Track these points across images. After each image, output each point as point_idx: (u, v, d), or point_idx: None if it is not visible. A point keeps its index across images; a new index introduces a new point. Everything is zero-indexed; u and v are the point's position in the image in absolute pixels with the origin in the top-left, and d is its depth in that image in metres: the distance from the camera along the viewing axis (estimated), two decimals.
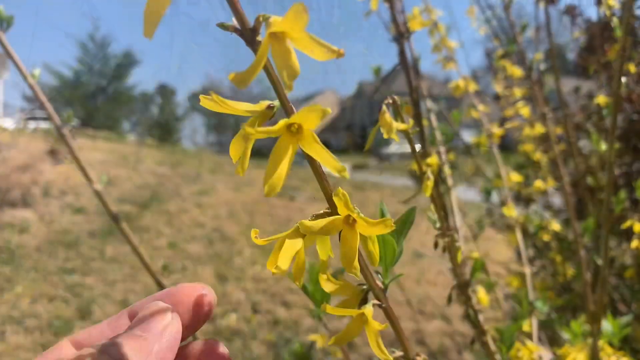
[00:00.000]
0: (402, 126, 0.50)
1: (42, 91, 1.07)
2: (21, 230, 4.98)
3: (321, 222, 0.36)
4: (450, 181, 1.09)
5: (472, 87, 1.40)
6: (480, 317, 0.79)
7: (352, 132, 42.64)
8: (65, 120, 1.09)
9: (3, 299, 3.64)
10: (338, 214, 0.37)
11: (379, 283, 0.41)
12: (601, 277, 1.08)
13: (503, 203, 1.47)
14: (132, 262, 4.48)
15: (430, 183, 0.57)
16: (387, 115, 0.48)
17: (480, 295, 0.91)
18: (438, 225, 0.59)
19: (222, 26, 0.32)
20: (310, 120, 0.32)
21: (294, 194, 8.02)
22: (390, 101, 0.49)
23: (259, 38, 0.32)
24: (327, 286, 0.40)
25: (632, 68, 1.87)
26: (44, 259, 4.47)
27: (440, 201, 0.96)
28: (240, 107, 0.36)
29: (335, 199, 0.36)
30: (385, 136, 0.48)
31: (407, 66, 0.81)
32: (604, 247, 1.07)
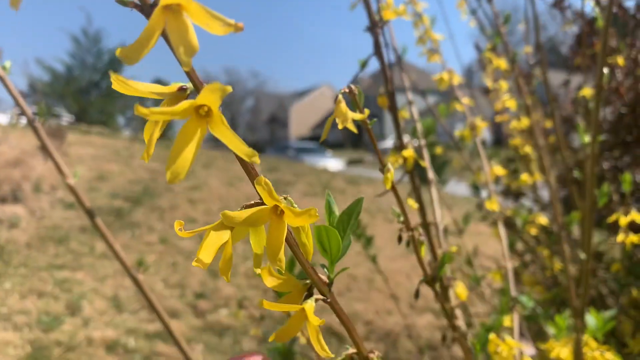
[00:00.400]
0: (357, 116, 0.49)
1: (35, 86, 1.04)
2: (11, 226, 4.95)
3: (245, 213, 0.35)
4: (430, 175, 1.08)
5: (457, 80, 1.38)
6: (457, 312, 0.77)
7: (346, 127, 42.57)
8: (40, 113, 1.07)
9: None
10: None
11: (324, 277, 0.39)
12: (584, 270, 1.07)
13: (488, 197, 1.46)
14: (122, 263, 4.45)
15: (390, 176, 0.55)
16: (343, 105, 0.46)
17: (458, 290, 0.90)
18: (402, 219, 0.58)
19: (122, 2, 0.30)
20: (213, 100, 0.30)
21: (287, 189, 8.00)
22: (347, 90, 0.47)
23: None
24: (269, 281, 0.39)
25: (620, 61, 1.86)
26: (33, 255, 4.44)
27: (415, 194, 0.94)
28: (147, 89, 0.34)
29: (257, 188, 0.34)
30: (339, 126, 0.46)
31: (382, 57, 0.79)
32: (586, 241, 1.06)
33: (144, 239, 5.25)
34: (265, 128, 47.83)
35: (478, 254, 2.39)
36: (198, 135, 0.32)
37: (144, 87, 0.34)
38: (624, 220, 1.36)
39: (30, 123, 1.03)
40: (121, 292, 3.91)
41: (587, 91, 1.47)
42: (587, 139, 1.02)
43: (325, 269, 0.40)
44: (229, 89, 0.28)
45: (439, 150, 2.13)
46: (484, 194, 2.55)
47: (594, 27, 2.05)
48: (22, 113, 1.06)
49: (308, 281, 0.40)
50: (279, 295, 0.51)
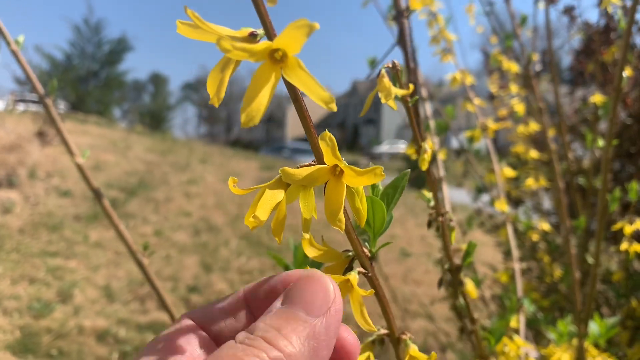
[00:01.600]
0: (400, 92, 0.48)
1: (33, 72, 1.03)
2: (5, 211, 4.91)
3: (305, 170, 0.33)
4: (442, 172, 1.07)
5: (469, 80, 1.38)
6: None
7: (345, 130, 42.67)
8: (50, 90, 1.05)
9: None
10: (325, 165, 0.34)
11: (366, 250, 0.38)
12: (592, 275, 1.07)
13: (493, 200, 1.45)
14: (116, 247, 4.43)
15: (427, 156, 0.54)
16: (386, 80, 0.45)
17: (469, 287, 0.89)
18: (432, 204, 0.57)
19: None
20: (295, 39, 0.29)
21: None
22: (390, 65, 0.46)
23: None
24: (310, 251, 0.37)
25: (628, 71, 1.86)
26: (26, 241, 4.40)
27: (432, 188, 0.94)
28: (221, 31, 0.33)
29: (321, 143, 0.33)
30: (382, 100, 0.45)
31: (406, 46, 0.78)
32: (596, 245, 1.05)
33: (138, 230, 5.22)
34: (262, 127, 47.77)
35: (475, 259, 2.38)
36: (272, 80, 0.30)
37: (219, 29, 0.33)
38: (628, 229, 1.36)
39: (42, 99, 1.01)
40: (114, 282, 3.88)
41: (598, 98, 1.47)
42: (600, 143, 1.01)
43: (367, 243, 0.39)
44: (317, 25, 0.27)
45: (442, 154, 2.12)
46: (484, 199, 2.55)
47: (604, 36, 2.06)
48: (34, 89, 1.04)
49: (351, 253, 0.39)
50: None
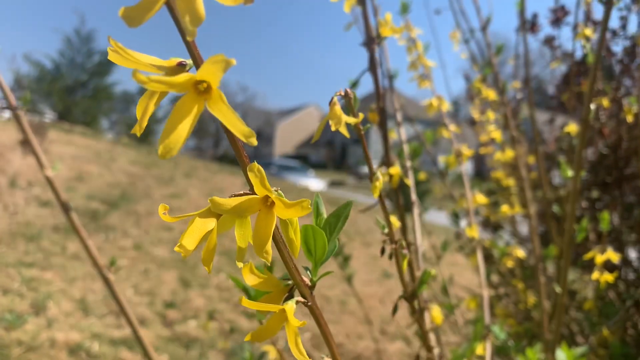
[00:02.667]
0: (351, 119, 0.48)
1: (21, 81, 1.02)
2: None
3: (235, 200, 0.33)
4: (413, 196, 1.08)
5: (445, 106, 1.39)
6: (431, 334, 0.77)
7: (333, 149, 42.81)
8: (24, 101, 1.05)
9: None
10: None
11: (306, 280, 0.38)
12: (558, 304, 1.07)
13: (469, 224, 1.46)
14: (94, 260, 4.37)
15: (378, 184, 0.55)
16: (337, 107, 0.45)
17: (434, 313, 0.89)
18: (386, 230, 0.57)
19: None
20: (214, 73, 0.29)
21: None
22: (342, 93, 0.47)
23: None
24: (250, 279, 0.37)
25: (605, 102, 1.89)
26: (2, 250, 4.33)
27: (398, 212, 0.94)
28: (145, 60, 0.33)
29: (250, 174, 0.33)
30: (332, 128, 0.46)
31: (376, 72, 0.79)
32: (562, 275, 1.06)
33: (117, 243, 5.17)
34: None
35: (453, 283, 2.39)
36: (194, 112, 0.31)
37: (144, 58, 0.33)
38: (600, 259, 1.37)
39: (13, 111, 1.01)
40: (89, 296, 3.83)
41: (572, 127, 1.49)
42: (569, 173, 1.02)
43: (308, 272, 0.39)
44: (233, 61, 0.27)
45: (422, 176, 2.13)
46: (462, 224, 2.56)
47: (582, 67, 2.10)
48: (6, 101, 1.04)
49: (290, 282, 0.38)
50: (254, 299, 0.50)
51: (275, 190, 0.34)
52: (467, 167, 1.52)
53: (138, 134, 0.33)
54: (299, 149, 45.38)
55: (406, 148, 1.07)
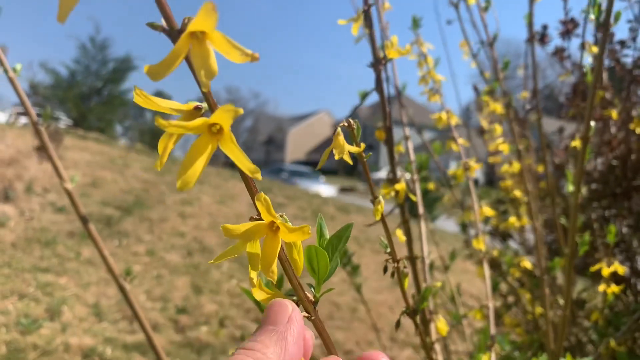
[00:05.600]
0: (353, 149, 0.51)
1: (37, 88, 1.07)
2: None
3: (244, 227, 0.38)
4: (421, 209, 1.10)
5: (454, 120, 1.42)
6: (436, 346, 0.79)
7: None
8: (44, 116, 1.09)
9: None
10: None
11: (310, 295, 0.42)
12: (562, 315, 1.09)
13: (476, 236, 1.48)
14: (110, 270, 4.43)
15: (380, 207, 0.58)
16: (341, 137, 0.49)
17: (440, 324, 0.91)
18: (388, 250, 0.60)
19: (152, 26, 0.33)
20: (225, 119, 0.34)
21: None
22: (346, 124, 0.50)
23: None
24: (258, 295, 0.41)
25: (614, 114, 1.91)
26: (18, 255, 4.41)
27: (404, 227, 0.97)
28: (166, 105, 0.38)
29: (257, 203, 0.37)
30: (336, 157, 0.49)
31: (382, 93, 0.82)
32: (566, 287, 1.08)
33: (131, 249, 5.23)
34: (262, 149, 47.98)
35: (462, 292, 2.41)
36: (208, 150, 0.35)
37: (164, 103, 0.37)
38: (606, 271, 1.39)
39: (34, 125, 1.05)
40: (103, 301, 3.88)
41: (578, 142, 1.51)
42: (571, 188, 1.05)
43: (312, 288, 0.43)
44: (241, 111, 0.32)
45: (431, 186, 2.16)
46: (472, 232, 2.58)
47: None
48: (26, 114, 1.08)
49: (295, 297, 0.42)
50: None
51: (281, 216, 0.38)
52: (477, 176, 1.54)
53: (159, 169, 0.38)
54: (310, 155, 45.49)
55: (413, 164, 1.10)
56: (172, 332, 3.64)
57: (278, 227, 0.38)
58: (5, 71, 1.04)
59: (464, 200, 2.10)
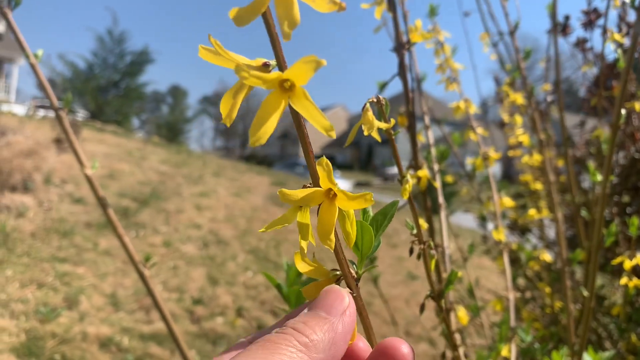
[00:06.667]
0: (383, 125, 0.50)
1: (55, 80, 1.07)
2: (18, 215, 4.99)
3: (302, 192, 0.37)
4: (441, 199, 1.09)
5: (473, 109, 1.40)
6: (456, 334, 0.78)
7: (359, 149, 42.73)
8: (65, 103, 1.09)
9: None
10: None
11: (353, 271, 0.41)
12: (585, 308, 1.07)
13: (495, 227, 1.47)
14: (124, 256, 4.47)
15: (408, 187, 0.57)
16: (370, 113, 0.48)
17: (460, 313, 0.90)
18: (415, 231, 0.59)
19: None
20: (303, 73, 0.32)
21: None
22: (375, 100, 0.49)
23: None
24: (302, 266, 0.41)
25: (637, 107, 1.87)
26: (37, 245, 4.46)
27: (426, 214, 0.96)
28: (239, 59, 0.37)
29: (318, 167, 0.36)
30: (365, 133, 0.48)
31: (405, 77, 0.81)
32: (590, 279, 1.06)
33: (147, 240, 5.27)
34: (276, 143, 48.07)
35: (479, 286, 2.39)
36: (281, 107, 0.34)
37: (238, 58, 0.37)
38: (628, 264, 1.37)
39: (56, 111, 1.05)
40: (120, 291, 3.92)
41: (601, 132, 1.49)
42: (598, 177, 1.03)
43: (355, 265, 0.42)
44: (324, 62, 0.31)
45: (449, 178, 2.14)
46: (490, 226, 2.55)
47: (614, 70, 2.07)
48: (49, 100, 1.09)
49: (338, 272, 0.41)
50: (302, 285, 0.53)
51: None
52: (494, 170, 1.52)
53: (228, 124, 0.37)
54: (325, 149, 45.49)
55: (434, 151, 1.08)
56: (188, 322, 3.67)
57: (335, 195, 0.38)
58: (27, 56, 1.05)
59: (481, 192, 2.07)
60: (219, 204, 7.30)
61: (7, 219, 4.81)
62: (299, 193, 0.37)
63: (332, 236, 0.38)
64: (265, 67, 0.37)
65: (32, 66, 1.04)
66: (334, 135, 0.33)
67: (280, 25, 0.31)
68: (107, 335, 3.20)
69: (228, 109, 0.38)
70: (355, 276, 0.42)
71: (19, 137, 6.29)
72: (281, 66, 0.35)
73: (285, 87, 0.34)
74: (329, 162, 0.36)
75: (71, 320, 3.31)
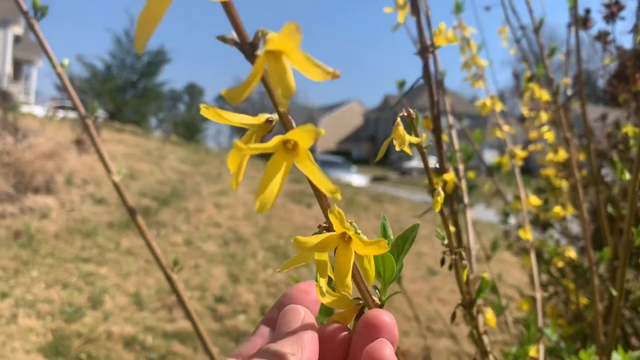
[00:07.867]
0: (414, 139, 0.50)
1: (73, 82, 1.09)
2: (41, 216, 5.07)
3: (316, 239, 0.37)
4: (466, 199, 1.09)
5: (499, 106, 1.40)
6: (484, 338, 0.78)
7: (375, 144, 42.62)
8: (91, 110, 1.11)
9: (18, 282, 3.70)
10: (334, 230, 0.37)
11: (376, 299, 0.41)
12: (615, 308, 1.06)
13: (520, 225, 1.46)
14: (146, 255, 4.52)
15: (440, 199, 0.57)
16: (401, 128, 0.48)
17: (488, 316, 0.90)
18: (446, 242, 0.59)
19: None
20: (304, 139, 0.32)
21: (311, 201, 8.02)
22: (406, 114, 0.49)
23: (258, 53, 0.32)
24: (324, 298, 0.41)
25: None
26: (61, 246, 4.53)
27: (453, 218, 0.96)
28: (238, 120, 0.37)
29: (330, 216, 0.36)
30: (397, 148, 0.48)
31: (430, 81, 0.81)
32: (620, 277, 1.05)
33: (169, 239, 5.32)
34: None
35: (502, 281, 2.37)
36: (284, 169, 0.34)
37: (235, 118, 0.37)
38: None
39: (82, 119, 1.07)
40: (143, 290, 3.97)
41: (630, 129, 1.47)
42: (627, 176, 1.02)
43: (377, 291, 0.42)
44: (322, 132, 0.31)
45: (471, 174, 2.12)
46: (512, 221, 2.53)
47: (637, 62, 2.04)
48: (75, 107, 1.10)
49: (361, 301, 0.42)
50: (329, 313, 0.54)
51: (350, 223, 0.37)
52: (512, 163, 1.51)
53: (235, 188, 0.37)
54: (341, 144, 45.45)
55: (459, 155, 1.08)
56: (210, 320, 3.70)
57: (350, 238, 0.38)
58: (54, 66, 1.07)
59: (501, 187, 2.06)
60: (238, 202, 7.34)
61: (31, 220, 4.89)
62: (314, 239, 0.37)
63: (349, 282, 0.39)
64: (268, 122, 0.37)
65: (59, 75, 1.06)
66: (339, 197, 0.33)
67: (274, 94, 0.31)
68: (131, 334, 3.24)
69: (235, 169, 0.38)
70: (379, 303, 0.42)
71: (40, 139, 6.38)
72: (284, 124, 0.35)
73: (288, 148, 0.34)
74: (340, 210, 0.36)
75: (96, 320, 3.36)
